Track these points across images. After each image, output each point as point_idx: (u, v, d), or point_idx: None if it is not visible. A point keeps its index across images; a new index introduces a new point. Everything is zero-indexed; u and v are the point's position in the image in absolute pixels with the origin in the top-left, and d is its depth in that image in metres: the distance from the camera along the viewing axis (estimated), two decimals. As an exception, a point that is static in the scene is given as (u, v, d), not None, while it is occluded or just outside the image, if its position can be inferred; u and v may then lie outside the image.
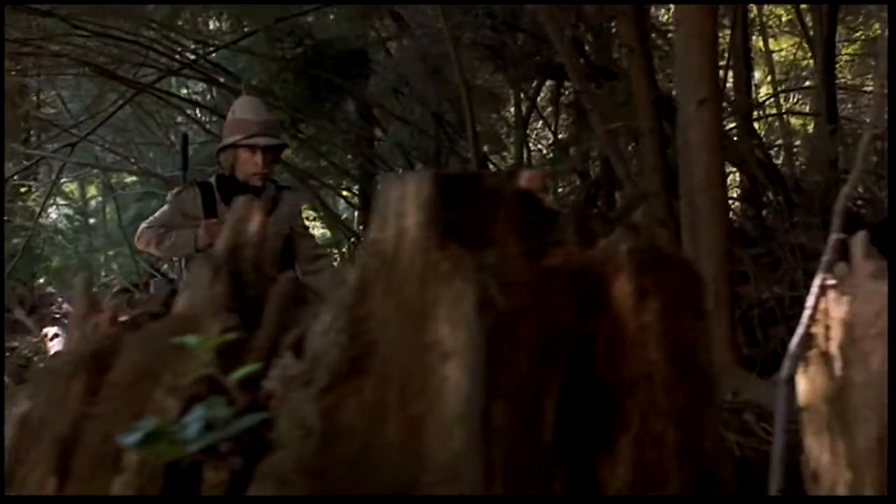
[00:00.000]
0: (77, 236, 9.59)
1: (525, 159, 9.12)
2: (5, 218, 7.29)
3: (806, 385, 1.52)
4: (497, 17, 6.31)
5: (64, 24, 5.12)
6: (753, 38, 12.73)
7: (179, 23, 6.22)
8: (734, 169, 7.69)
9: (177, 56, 6.33)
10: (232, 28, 7.25)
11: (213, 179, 3.73)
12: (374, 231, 1.03)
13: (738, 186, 8.66)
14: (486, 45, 6.63)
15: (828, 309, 1.47)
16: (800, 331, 1.56)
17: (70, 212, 10.05)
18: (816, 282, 1.52)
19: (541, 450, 1.08)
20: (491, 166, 8.85)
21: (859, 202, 8.80)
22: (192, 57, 6.48)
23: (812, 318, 1.51)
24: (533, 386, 1.08)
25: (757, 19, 12.86)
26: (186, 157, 4.19)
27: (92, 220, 11.08)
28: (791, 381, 1.55)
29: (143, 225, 3.78)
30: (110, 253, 10.28)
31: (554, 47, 7.24)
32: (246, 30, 6.91)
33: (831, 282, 1.47)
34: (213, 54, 7.04)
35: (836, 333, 1.44)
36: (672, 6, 3.26)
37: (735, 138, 7.65)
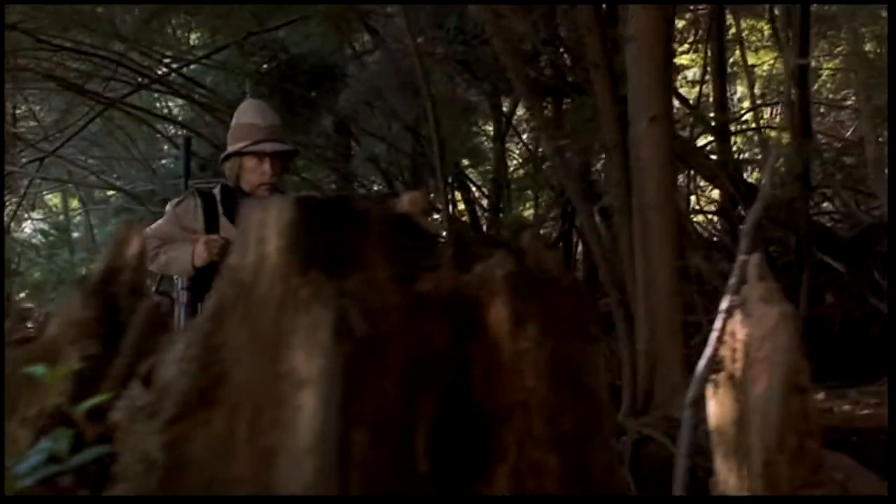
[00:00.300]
0: (53, 251, 9.53)
1: (504, 173, 9.11)
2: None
3: (715, 407, 1.50)
4: (468, 31, 6.31)
5: (29, 39, 5.08)
6: (737, 52, 12.75)
7: (151, 36, 6.19)
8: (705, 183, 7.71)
9: (150, 70, 6.30)
10: (205, 42, 7.23)
11: (216, 190, 3.45)
12: (235, 258, 1.01)
13: (716, 201, 8.68)
14: (458, 60, 6.63)
15: (734, 331, 1.45)
16: (707, 353, 1.54)
17: (45, 226, 9.99)
18: (723, 304, 1.50)
19: (412, 477, 1.06)
20: (469, 181, 8.86)
21: (836, 216, 8.81)
22: (164, 71, 6.44)
23: (720, 341, 1.50)
24: (402, 413, 1.06)
25: (742, 34, 12.89)
26: (188, 164, 3.89)
27: (76, 234, 11.02)
28: (696, 405, 1.53)
29: None
30: (92, 267, 10.19)
31: (533, 61, 7.28)
32: (224, 41, 6.87)
33: (736, 304, 1.45)
34: (187, 68, 7.03)
35: (741, 356, 1.42)
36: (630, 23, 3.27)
37: (713, 155, 7.67)
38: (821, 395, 3.94)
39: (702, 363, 1.54)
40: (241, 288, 1.00)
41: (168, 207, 3.46)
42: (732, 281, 1.53)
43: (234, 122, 3.46)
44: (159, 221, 3.46)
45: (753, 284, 1.27)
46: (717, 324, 1.50)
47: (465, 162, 9.21)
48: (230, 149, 3.38)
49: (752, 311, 1.24)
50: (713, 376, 1.51)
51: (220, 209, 3.35)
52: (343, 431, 0.97)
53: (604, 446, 1.26)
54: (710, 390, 1.53)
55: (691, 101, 9.75)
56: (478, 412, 1.14)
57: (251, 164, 3.32)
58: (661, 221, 3.21)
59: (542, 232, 11.14)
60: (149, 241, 3.28)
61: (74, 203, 12.25)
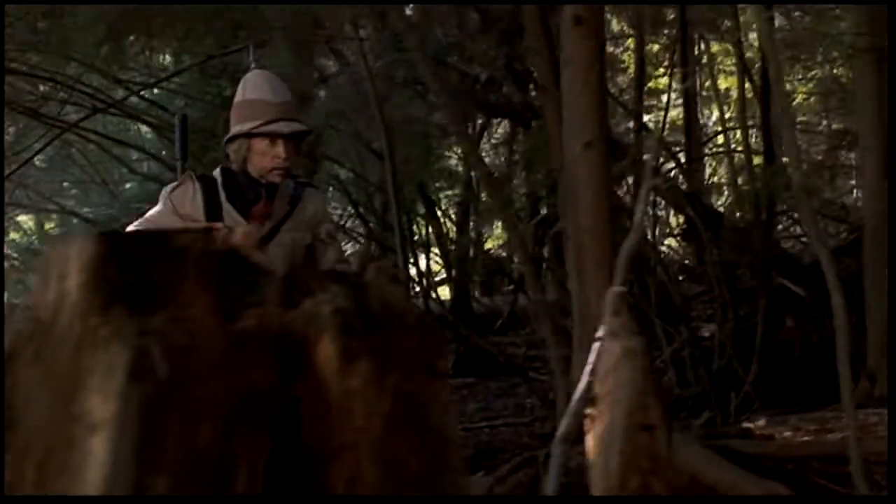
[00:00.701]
0: (21, 276, 9.47)
1: (472, 196, 9.12)
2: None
3: (591, 442, 1.47)
4: (428, 55, 6.31)
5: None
6: (720, 76, 12.85)
7: (111, 59, 6.16)
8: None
9: (108, 94, 6.27)
10: (166, 66, 7.21)
11: (217, 173, 3.11)
12: (35, 294, 0.98)
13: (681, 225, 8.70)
14: (418, 83, 6.64)
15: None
16: (580, 387, 1.51)
17: (8, 250, 9.92)
18: (598, 335, 1.48)
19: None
20: (436, 205, 8.86)
21: (804, 240, 8.83)
22: (123, 94, 6.42)
23: (593, 374, 1.47)
24: (219, 455, 1.03)
25: (718, 57, 12.99)
26: (186, 144, 3.47)
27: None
28: (567, 440, 1.50)
29: (130, 228, 3.05)
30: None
31: (499, 85, 7.29)
32: (187, 64, 6.86)
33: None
34: (152, 92, 7.01)
35: (609, 391, 1.40)
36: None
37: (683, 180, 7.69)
38: (761, 422, 3.93)
39: (575, 397, 1.52)
40: (38, 325, 0.96)
41: (162, 194, 3.14)
42: (606, 313, 1.51)
43: (239, 97, 3.11)
44: (152, 210, 3.14)
45: (607, 319, 1.24)
46: (591, 357, 1.48)
47: (438, 185, 9.24)
48: (236, 129, 3.03)
49: (602, 346, 1.22)
50: (589, 410, 1.49)
51: (223, 194, 3.05)
52: (138, 477, 0.93)
53: (451, 485, 1.23)
54: (588, 424, 1.51)
55: (665, 126, 9.79)
56: (309, 453, 1.12)
57: (261, 146, 3.00)
58: (596, 246, 3.19)
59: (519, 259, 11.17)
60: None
61: (49, 226, 12.21)
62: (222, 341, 1.04)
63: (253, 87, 3.07)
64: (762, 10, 3.59)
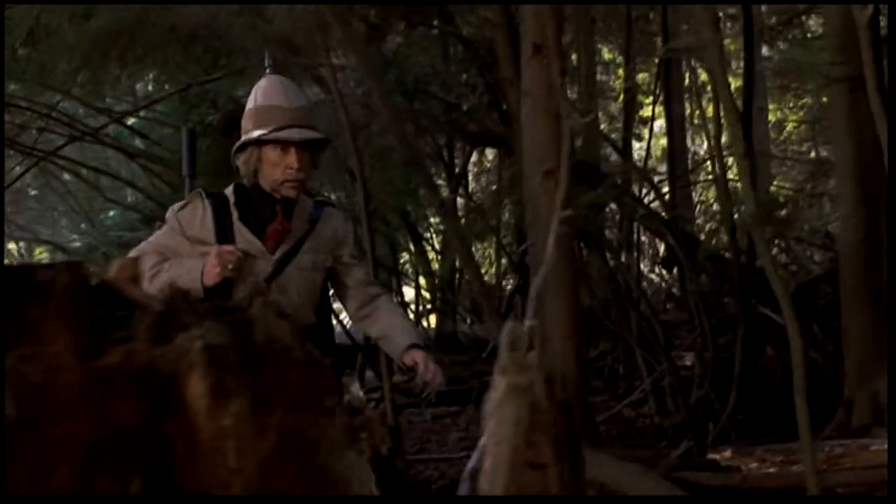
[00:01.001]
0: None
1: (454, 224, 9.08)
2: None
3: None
4: (408, 83, 6.33)
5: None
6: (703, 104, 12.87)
7: (91, 87, 6.16)
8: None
9: (85, 122, 6.26)
10: (150, 93, 7.22)
11: (229, 190, 2.91)
12: None
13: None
14: (398, 111, 6.63)
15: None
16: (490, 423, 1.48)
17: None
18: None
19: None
20: (419, 233, 8.83)
21: (792, 268, 8.81)
22: (102, 123, 6.41)
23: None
24: (77, 496, 1.00)
25: (707, 84, 13.03)
26: (194, 159, 3.28)
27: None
28: (474, 476, 1.47)
29: (132, 253, 2.83)
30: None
31: (475, 113, 7.31)
32: (168, 91, 6.85)
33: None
34: (134, 119, 7.01)
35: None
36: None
37: (663, 210, 7.68)
38: (727, 453, 3.89)
39: (485, 433, 1.49)
40: None
41: (169, 214, 2.93)
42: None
43: (250, 104, 2.90)
44: (159, 231, 2.93)
45: (502, 353, 1.21)
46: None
47: (426, 213, 9.22)
48: (247, 136, 2.83)
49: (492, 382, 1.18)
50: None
51: (235, 213, 2.86)
52: (-21, 524, 0.90)
53: (336, 522, 1.20)
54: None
55: (648, 153, 9.80)
56: (180, 493, 1.08)
57: (273, 155, 2.79)
58: (557, 273, 3.17)
59: (507, 285, 11.12)
60: (146, 258, 2.78)
61: (38, 251, 12.20)
62: (83, 378, 1.01)
63: (265, 92, 2.89)
64: (717, 25, 3.59)
